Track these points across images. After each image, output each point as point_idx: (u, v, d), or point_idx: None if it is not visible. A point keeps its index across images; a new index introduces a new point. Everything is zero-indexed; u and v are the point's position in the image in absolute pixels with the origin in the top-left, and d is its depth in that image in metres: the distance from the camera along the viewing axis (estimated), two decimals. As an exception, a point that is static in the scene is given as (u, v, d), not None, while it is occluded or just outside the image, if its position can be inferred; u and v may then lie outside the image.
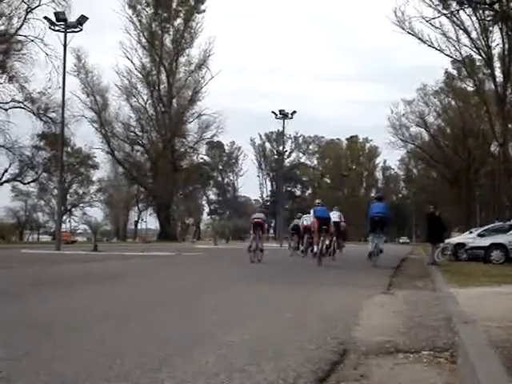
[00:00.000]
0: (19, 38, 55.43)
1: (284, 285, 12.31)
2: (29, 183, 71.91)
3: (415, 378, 4.33)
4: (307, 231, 25.41)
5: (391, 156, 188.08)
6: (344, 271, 18.16)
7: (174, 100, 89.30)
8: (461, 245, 26.51)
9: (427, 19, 43.26)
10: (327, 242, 21.78)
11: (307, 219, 25.61)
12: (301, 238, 27.59)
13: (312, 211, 21.99)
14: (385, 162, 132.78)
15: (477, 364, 4.03)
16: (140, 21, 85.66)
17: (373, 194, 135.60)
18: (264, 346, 5.22)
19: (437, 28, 49.58)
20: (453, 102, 79.69)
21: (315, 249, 20.73)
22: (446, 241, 27.86)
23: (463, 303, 8.22)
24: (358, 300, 9.11)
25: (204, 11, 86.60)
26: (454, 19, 47.89)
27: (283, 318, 7.17)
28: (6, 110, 57.57)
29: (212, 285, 12.46)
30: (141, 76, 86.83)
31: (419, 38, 50.14)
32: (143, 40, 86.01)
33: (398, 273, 16.68)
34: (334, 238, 24.74)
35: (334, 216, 25.19)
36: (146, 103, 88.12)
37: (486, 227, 30.29)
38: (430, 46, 51.27)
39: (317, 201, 23.65)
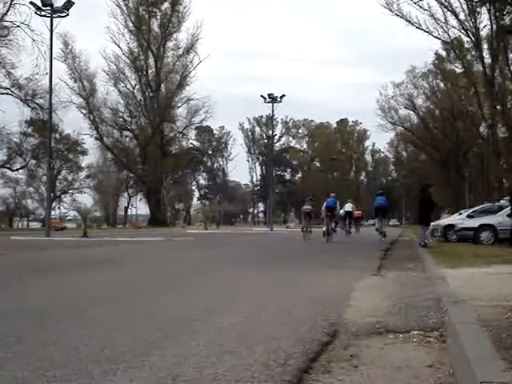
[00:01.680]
0: (5, 23, 54.97)
1: (274, 268, 12.33)
2: (17, 170, 71.67)
3: (405, 358, 4.35)
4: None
5: (380, 139, 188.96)
6: (334, 254, 18.21)
7: (163, 85, 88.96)
8: (450, 226, 26.61)
9: (415, 1, 43.11)
10: (333, 225, 28.42)
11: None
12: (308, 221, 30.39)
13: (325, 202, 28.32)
14: (374, 144, 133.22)
15: (466, 343, 4.05)
16: (127, 5, 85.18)
17: (362, 177, 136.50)
18: (254, 329, 5.24)
19: (425, 10, 49.56)
20: (441, 84, 79.72)
21: (324, 229, 26.61)
22: (436, 222, 28.01)
23: (453, 284, 8.27)
24: (348, 282, 9.14)
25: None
26: (442, 1, 47.85)
27: (273, 300, 7.19)
28: (-7, 96, 57.25)
29: (202, 269, 12.50)
30: (128, 61, 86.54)
31: (407, 20, 50.13)
32: (130, 25, 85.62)
33: (388, 255, 16.75)
34: (346, 223, 33.91)
35: (348, 207, 34.11)
36: (134, 88, 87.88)
37: (475, 208, 30.42)
38: (418, 28, 51.22)
39: (332, 194, 29.81)
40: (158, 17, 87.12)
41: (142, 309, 6.55)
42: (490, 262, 12.17)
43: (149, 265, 14.01)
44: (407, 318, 5.84)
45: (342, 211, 32.66)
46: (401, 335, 5.10)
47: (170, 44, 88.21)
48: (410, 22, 50.18)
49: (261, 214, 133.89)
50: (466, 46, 60.54)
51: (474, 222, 24.99)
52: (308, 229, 28.50)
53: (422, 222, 21.79)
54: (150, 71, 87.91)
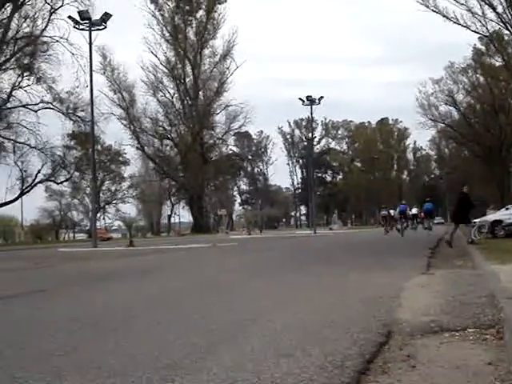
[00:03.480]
0: (44, 39, 55.84)
1: (322, 269, 12.29)
2: (62, 183, 72.55)
3: (463, 356, 4.29)
4: (391, 218, 42.21)
5: (421, 136, 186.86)
6: (382, 254, 18.07)
7: (201, 92, 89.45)
8: (498, 222, 26.17)
9: (451, -4, 42.50)
10: (404, 225, 39.19)
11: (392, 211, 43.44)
12: (387, 222, 42.33)
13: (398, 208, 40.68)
14: (415, 142, 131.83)
15: (526, 339, 3.98)
16: (162, 15, 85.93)
17: (404, 176, 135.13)
18: (308, 331, 5.22)
19: (462, 4, 48.72)
20: (481, 79, 78.50)
21: (398, 227, 38.69)
22: (483, 218, 27.56)
23: (505, 279, 8.13)
24: (398, 281, 9.07)
25: (225, 1, 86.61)
26: (479, -6, 47.04)
27: (324, 301, 7.17)
28: (36, 111, 58.12)
29: (251, 273, 12.49)
30: (166, 70, 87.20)
31: (444, 16, 49.33)
32: (167, 34, 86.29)
33: (436, 253, 16.57)
34: (415, 222, 43.61)
35: (414, 210, 43.64)
36: (172, 97, 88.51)
37: (522, 203, 29.88)
38: (455, 22, 50.35)
39: (403, 201, 43.42)
40: (194, 25, 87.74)
41: (195, 314, 6.58)
42: (541, 256, 11.95)
43: (197, 271, 14.09)
44: (461, 315, 5.76)
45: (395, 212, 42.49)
46: (457, 333, 5.04)
47: (206, 51, 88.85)
48: (446, 17, 49.41)
49: (303, 217, 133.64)
50: (506, 38, 59.44)
51: (523, 217, 24.56)
52: (388, 227, 40.87)
53: (459, 221, 21.28)
54: (187, 79, 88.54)
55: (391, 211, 43.67)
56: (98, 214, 76.63)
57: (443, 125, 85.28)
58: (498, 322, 5.23)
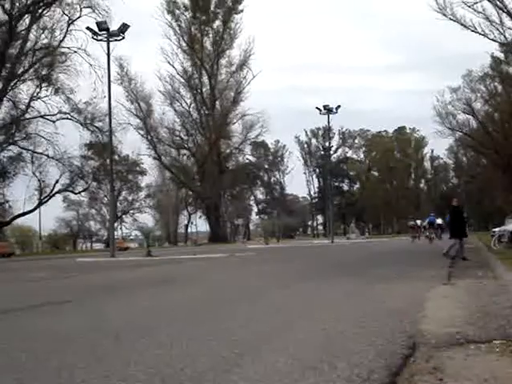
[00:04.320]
0: (62, 50, 56.35)
1: (342, 279, 12.23)
2: (80, 193, 72.93)
3: (490, 368, 4.23)
4: (418, 228, 48.13)
5: (439, 145, 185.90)
6: (401, 264, 17.96)
7: (217, 102, 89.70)
8: (518, 231, 25.97)
9: (469, 4, 42.31)
10: (433, 235, 43.04)
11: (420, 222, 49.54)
12: (416, 231, 47.36)
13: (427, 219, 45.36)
14: (432, 151, 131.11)
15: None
16: (179, 25, 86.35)
17: (422, 185, 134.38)
18: (332, 343, 5.19)
19: (479, 13, 48.54)
20: (499, 87, 78.04)
21: (428, 235, 42.94)
22: (502, 228, 27.38)
23: (529, 290, 8.05)
24: (420, 292, 9.00)
25: (242, 11, 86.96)
26: (497, 2, 46.84)
27: (348, 312, 7.13)
28: (54, 121, 58.57)
29: (271, 283, 12.46)
30: (183, 80, 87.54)
31: (462, 24, 49.17)
32: (183, 44, 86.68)
33: (456, 263, 16.44)
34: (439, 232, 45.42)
35: (439, 221, 46.37)
36: (189, 107, 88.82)
37: (543, 212, 29.62)
38: (473, 31, 50.21)
39: (431, 214, 46.74)
40: (211, 35, 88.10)
41: (217, 324, 6.56)
42: None
43: (216, 281, 14.08)
44: (487, 327, 5.70)
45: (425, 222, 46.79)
46: (483, 345, 4.98)
47: (223, 61, 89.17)
48: (464, 25, 49.26)
49: (320, 227, 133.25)
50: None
51: (543, 226, 24.35)
52: (415, 237, 45.75)
53: (456, 236, 21.11)
54: (204, 89, 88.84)
55: (418, 221, 50.20)
56: (116, 224, 76.94)
57: (461, 133, 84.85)
58: (525, 334, 5.17)
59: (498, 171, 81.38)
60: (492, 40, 52.66)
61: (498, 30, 50.99)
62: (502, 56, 70.11)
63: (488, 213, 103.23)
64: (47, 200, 66.72)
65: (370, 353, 4.69)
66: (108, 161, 50.62)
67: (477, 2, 41.89)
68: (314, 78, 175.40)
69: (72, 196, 78.41)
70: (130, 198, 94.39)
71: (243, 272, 17.61)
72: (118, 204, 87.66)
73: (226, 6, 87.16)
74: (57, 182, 66.21)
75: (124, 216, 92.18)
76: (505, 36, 52.50)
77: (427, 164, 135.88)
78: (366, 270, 15.62)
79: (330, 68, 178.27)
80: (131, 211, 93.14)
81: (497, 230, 30.35)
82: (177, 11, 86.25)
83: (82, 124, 60.54)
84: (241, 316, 7.32)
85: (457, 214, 21.43)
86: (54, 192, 67.14)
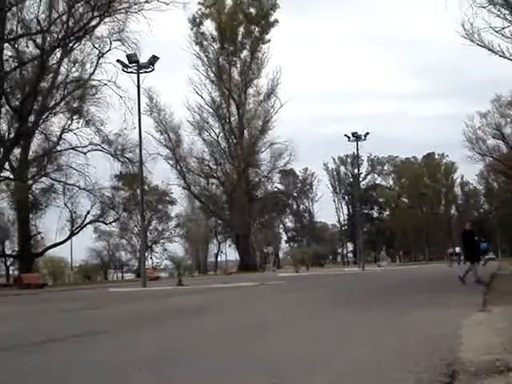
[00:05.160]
0: (93, 82, 57.11)
1: (376, 307, 12.17)
2: (110, 223, 73.37)
3: (531, 396, 4.20)
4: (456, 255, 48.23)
5: (469, 171, 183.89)
6: (436, 290, 17.79)
7: (246, 131, 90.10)
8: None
9: (497, 29, 42.19)
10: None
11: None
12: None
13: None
14: (462, 177, 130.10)
15: None
16: (207, 56, 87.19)
17: (453, 211, 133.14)
18: (371, 371, 5.18)
19: (507, 38, 48.44)
20: (530, 111, 77.59)
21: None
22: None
23: None
24: (455, 319, 8.91)
25: (269, 41, 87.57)
26: (525, 26, 46.77)
27: (383, 340, 7.10)
28: (85, 153, 59.18)
29: (305, 313, 12.42)
30: (211, 110, 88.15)
31: (490, 49, 49.07)
32: (211, 75, 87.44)
33: (490, 289, 16.24)
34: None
35: (483, 245, 44.91)
36: (218, 136, 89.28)
37: None
38: (501, 56, 50.08)
39: (482, 239, 43.14)
40: (238, 65, 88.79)
41: (253, 354, 6.58)
42: None
43: (250, 310, 14.07)
44: (527, 354, 5.63)
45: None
46: (523, 373, 4.93)
47: (250, 90, 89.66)
48: (492, 50, 49.14)
49: (350, 254, 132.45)
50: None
51: None
52: (452, 263, 47.37)
53: (470, 259, 21.01)
54: (232, 118, 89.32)
55: (457, 249, 52.10)
56: (146, 254, 77.29)
57: (491, 158, 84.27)
58: None
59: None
60: (520, 64, 52.48)
61: (526, 54, 50.83)
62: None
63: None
64: (78, 231, 67.22)
65: (410, 381, 4.68)
66: (138, 191, 50.98)
67: (505, 27, 41.73)
68: (342, 105, 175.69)
69: (103, 226, 78.87)
70: (159, 228, 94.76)
71: (275, 301, 17.58)
72: (148, 234, 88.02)
73: (254, 37, 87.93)
74: (88, 212, 66.74)
75: (154, 246, 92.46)
76: (533, 60, 52.30)
77: (458, 190, 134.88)
78: (400, 297, 15.50)
79: (358, 95, 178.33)
80: (161, 241, 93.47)
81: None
82: (205, 42, 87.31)
83: (112, 155, 61.12)
84: (276, 345, 7.33)
85: (469, 237, 21.45)
86: (85, 223, 67.61)
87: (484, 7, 33.82)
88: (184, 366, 5.98)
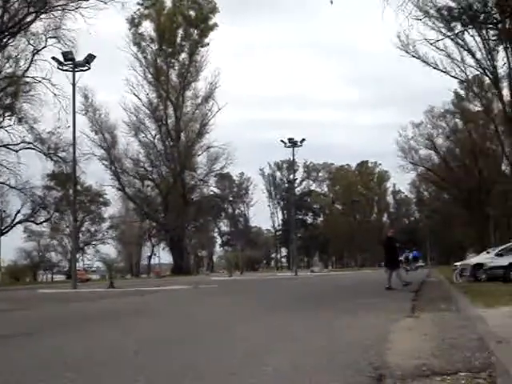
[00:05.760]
0: (27, 79, 55.91)
1: (307, 312, 12.23)
2: (41, 223, 72.04)
3: (456, 400, 4.26)
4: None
5: (401, 180, 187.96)
6: (365, 296, 18.03)
7: (182, 134, 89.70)
8: (479, 265, 26.22)
9: (431, 42, 43.17)
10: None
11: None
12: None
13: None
14: (394, 185, 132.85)
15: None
16: (145, 57, 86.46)
17: (385, 219, 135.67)
18: (300, 375, 5.17)
19: (441, 50, 49.59)
20: (460, 123, 79.57)
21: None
22: (464, 262, 27.71)
23: (492, 323, 8.14)
24: (384, 324, 9.04)
25: (208, 44, 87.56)
26: (458, 40, 47.91)
27: (314, 345, 7.12)
28: (17, 151, 57.78)
29: (236, 317, 12.39)
30: (148, 111, 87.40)
31: (424, 61, 50.12)
32: (149, 76, 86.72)
33: (419, 296, 16.55)
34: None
35: (415, 253, 54.93)
36: (154, 138, 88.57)
37: (503, 246, 29.91)
38: (435, 68, 51.19)
39: (414, 248, 55.88)
40: (176, 67, 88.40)
41: (182, 359, 6.50)
42: (526, 300, 11.97)
43: (180, 314, 13.95)
44: (452, 359, 5.73)
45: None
46: (448, 377, 5.00)
47: (188, 93, 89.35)
48: (426, 62, 50.27)
49: (284, 259, 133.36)
50: (485, 84, 60.66)
51: (504, 260, 24.59)
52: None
53: (391, 266, 21.50)
54: (169, 121, 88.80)
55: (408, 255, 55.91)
56: (77, 255, 76.03)
57: (423, 168, 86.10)
58: (490, 366, 5.21)
59: (459, 206, 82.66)
60: (453, 77, 53.84)
61: (459, 67, 52.18)
62: (463, 93, 71.72)
63: (449, 247, 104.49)
64: (8, 230, 65.73)
65: (338, 384, 4.69)
66: (71, 191, 50.15)
67: (438, 40, 42.75)
68: (280, 111, 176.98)
69: (33, 226, 77.48)
70: (92, 229, 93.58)
71: (206, 305, 17.50)
72: (80, 235, 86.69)
73: (192, 39, 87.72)
74: (18, 212, 65.43)
75: (86, 247, 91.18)
76: (466, 73, 53.74)
77: (390, 198, 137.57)
78: (331, 302, 15.63)
79: (295, 102, 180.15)
80: (93, 242, 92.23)
81: (458, 264, 30.65)
82: (143, 43, 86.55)
83: (45, 154, 59.91)
84: (205, 350, 7.26)
85: (391, 244, 21.88)
86: (14, 222, 66.27)
87: (419, 19, 34.62)
88: (110, 371, 5.86)
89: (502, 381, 4.54)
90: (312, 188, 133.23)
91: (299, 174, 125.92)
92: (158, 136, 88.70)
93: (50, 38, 52.32)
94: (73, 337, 9.32)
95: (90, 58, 38.59)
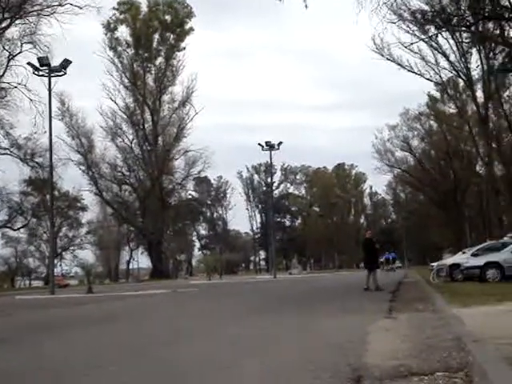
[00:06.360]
0: (2, 85, 55.45)
1: (286, 314, 12.30)
2: (18, 229, 71.52)
3: (433, 400, 4.34)
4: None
5: (378, 181, 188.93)
6: (343, 298, 18.15)
7: (160, 138, 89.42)
8: (455, 265, 26.50)
9: (406, 45, 43.53)
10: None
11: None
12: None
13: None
14: (371, 187, 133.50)
15: (496, 382, 4.06)
16: (121, 62, 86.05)
17: (362, 220, 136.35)
18: (279, 377, 5.23)
19: (415, 53, 50.08)
20: (435, 125, 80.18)
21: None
22: (441, 262, 27.97)
23: (468, 323, 8.25)
24: (362, 325, 9.10)
25: (184, 49, 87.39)
26: (432, 43, 48.36)
27: (292, 347, 7.18)
28: (-7, 157, 57.41)
29: (214, 320, 12.43)
30: (125, 116, 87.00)
31: (399, 64, 50.57)
32: (125, 81, 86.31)
33: (396, 297, 16.68)
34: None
35: (393, 254, 59.66)
36: (131, 143, 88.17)
37: (479, 246, 30.32)
38: (409, 70, 51.69)
39: (392, 250, 60.17)
40: (153, 72, 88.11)
41: (161, 364, 6.52)
42: (501, 299, 12.14)
43: (159, 318, 13.95)
44: (429, 359, 5.82)
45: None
46: (426, 377, 5.08)
47: (165, 97, 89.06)
48: (401, 65, 50.71)
49: (262, 262, 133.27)
50: (460, 86, 61.36)
51: (480, 260, 24.88)
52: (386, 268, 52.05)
53: (370, 267, 21.68)
54: (146, 125, 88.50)
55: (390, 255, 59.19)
56: (55, 261, 75.46)
57: (399, 170, 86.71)
58: (467, 366, 5.29)
59: (435, 207, 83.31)
60: (428, 79, 54.39)
61: (433, 69, 52.72)
62: (438, 95, 72.36)
63: (426, 247, 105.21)
64: (-16, 236, 65.18)
65: (317, 386, 4.75)
66: (48, 197, 49.87)
67: (413, 43, 43.16)
68: (256, 114, 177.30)
69: (10, 232, 76.80)
70: (70, 235, 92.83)
71: (185, 309, 17.50)
72: (58, 240, 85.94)
73: (169, 44, 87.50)
74: (-5, 218, 64.86)
75: (64, 253, 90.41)
76: (440, 76, 54.32)
77: (367, 200, 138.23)
78: (309, 304, 15.72)
79: (273, 105, 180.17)
80: (71, 248, 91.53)
81: (435, 264, 30.96)
82: (119, 48, 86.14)
83: (21, 159, 59.53)
84: (184, 354, 7.28)
85: (369, 245, 22.07)
86: (-9, 228, 65.69)
87: (394, 23, 34.88)
88: (89, 377, 5.88)
89: (478, 380, 4.63)
90: (290, 191, 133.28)
91: (277, 177, 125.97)
92: (135, 140, 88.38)
93: (26, 43, 51.94)
94: (49, 343, 9.29)
95: (65, 63, 38.45)
